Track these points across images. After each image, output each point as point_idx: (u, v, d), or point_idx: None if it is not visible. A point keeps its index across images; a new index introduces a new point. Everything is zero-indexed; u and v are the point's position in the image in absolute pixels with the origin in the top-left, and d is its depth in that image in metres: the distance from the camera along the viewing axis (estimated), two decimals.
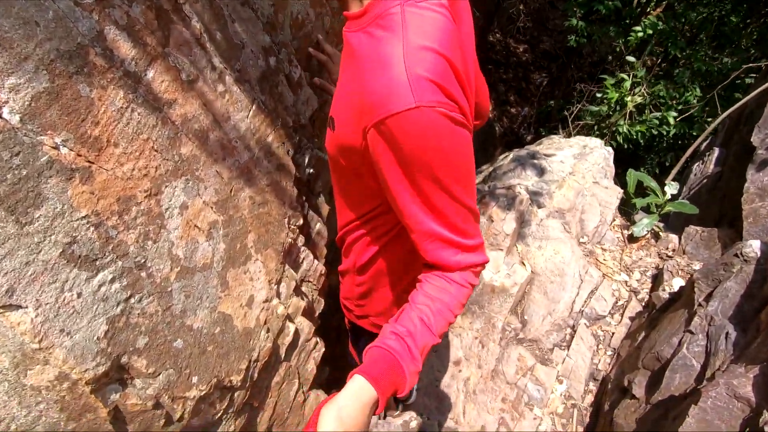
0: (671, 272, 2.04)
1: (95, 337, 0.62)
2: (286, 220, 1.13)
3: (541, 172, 2.65)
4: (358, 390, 0.62)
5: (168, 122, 0.79)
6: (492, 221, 2.35)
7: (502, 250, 2.29)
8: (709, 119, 4.69)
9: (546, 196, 2.51)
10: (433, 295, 0.71)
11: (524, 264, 2.32)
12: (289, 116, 1.21)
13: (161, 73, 0.78)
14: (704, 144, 3.89)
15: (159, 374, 0.72)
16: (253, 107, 1.04)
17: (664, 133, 4.94)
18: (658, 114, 4.84)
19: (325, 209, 1.50)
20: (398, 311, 0.73)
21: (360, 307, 1.03)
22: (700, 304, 1.48)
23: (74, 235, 0.61)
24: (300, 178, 1.29)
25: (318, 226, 1.39)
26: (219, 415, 0.88)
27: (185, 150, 0.82)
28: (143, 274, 0.70)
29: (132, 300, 0.68)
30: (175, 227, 0.78)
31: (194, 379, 0.79)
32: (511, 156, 2.90)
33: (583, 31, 5.55)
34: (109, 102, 0.68)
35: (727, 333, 1.31)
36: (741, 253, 1.41)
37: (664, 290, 1.96)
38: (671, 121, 4.76)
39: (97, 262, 0.63)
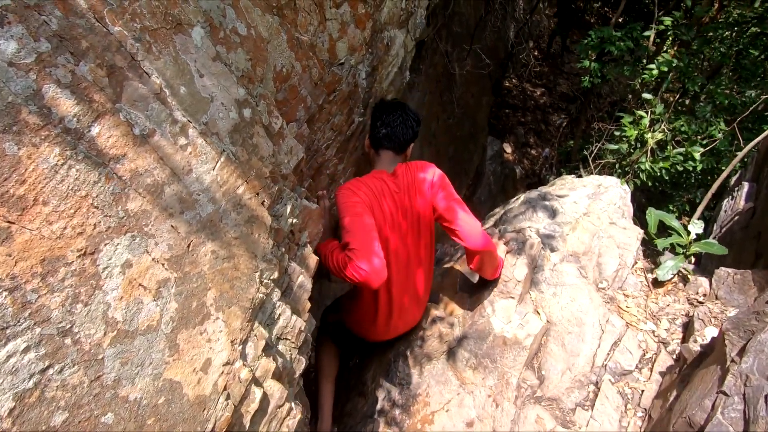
0: (702, 320, 1.84)
1: None
2: (258, 273, 1.07)
3: (553, 213, 2.53)
4: None
5: (113, 177, 0.76)
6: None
7: (513, 298, 2.15)
8: (738, 153, 4.49)
9: (559, 239, 2.37)
10: None
11: (538, 313, 2.16)
12: (266, 167, 1.18)
13: (109, 128, 0.77)
14: (733, 179, 3.69)
15: None
16: (221, 159, 1.02)
17: (690, 168, 4.73)
18: (681, 150, 4.67)
19: (312, 260, 1.43)
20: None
21: None
22: (733, 360, 1.29)
23: None
24: (279, 229, 1.24)
25: (300, 279, 1.32)
26: None
27: (133, 205, 0.79)
28: (68, 341, 0.65)
29: (50, 371, 0.62)
30: (114, 287, 0.73)
31: None
32: (522, 198, 2.80)
33: (596, 71, 5.56)
34: (40, 159, 0.65)
35: (766, 395, 1.13)
36: None
37: (695, 341, 1.76)
38: (696, 156, 4.57)
39: (8, 331, 0.58)
